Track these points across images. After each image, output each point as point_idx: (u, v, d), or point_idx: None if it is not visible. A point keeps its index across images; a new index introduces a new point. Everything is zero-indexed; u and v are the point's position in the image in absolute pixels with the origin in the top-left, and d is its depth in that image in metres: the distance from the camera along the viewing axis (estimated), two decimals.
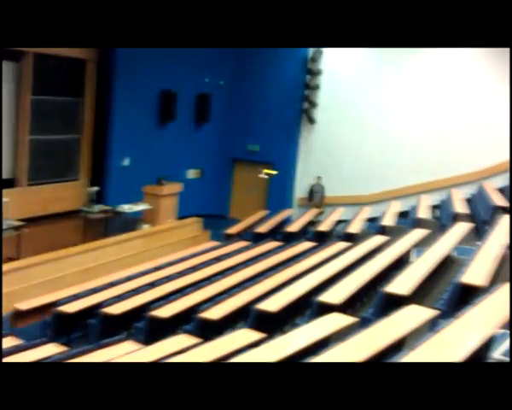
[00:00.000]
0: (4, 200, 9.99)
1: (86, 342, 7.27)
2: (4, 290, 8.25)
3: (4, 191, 11.66)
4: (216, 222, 14.49)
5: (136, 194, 12.66)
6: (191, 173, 16.12)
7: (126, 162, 14.42)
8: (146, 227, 12.01)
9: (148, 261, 10.22)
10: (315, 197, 15.13)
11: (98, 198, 12.43)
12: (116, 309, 7.45)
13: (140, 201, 12.56)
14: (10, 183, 12.43)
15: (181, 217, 13.15)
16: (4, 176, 12.32)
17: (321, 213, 14.76)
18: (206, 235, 12.75)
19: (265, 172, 15.05)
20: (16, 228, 9.86)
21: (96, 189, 12.09)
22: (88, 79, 13.88)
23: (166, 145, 15.19)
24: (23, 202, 11.94)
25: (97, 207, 11.73)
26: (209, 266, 9.58)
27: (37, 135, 12.80)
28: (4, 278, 8.41)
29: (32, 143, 12.77)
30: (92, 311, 7.64)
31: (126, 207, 12.08)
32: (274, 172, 15.19)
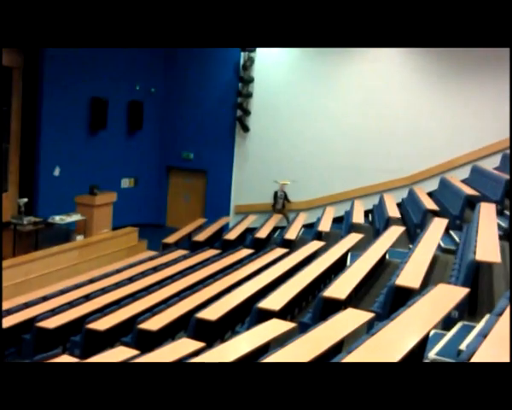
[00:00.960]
0: None
1: (20, 358, 7.01)
2: None
3: None
4: (153, 231, 14.33)
5: (68, 204, 12.33)
6: (125, 182, 15.86)
7: (57, 172, 14.03)
8: (79, 238, 11.70)
9: (83, 274, 9.97)
10: (278, 203, 15.14)
11: (29, 209, 12.02)
12: (51, 323, 7.22)
13: (73, 211, 12.24)
14: None
15: (116, 227, 12.90)
16: None
17: (286, 219, 14.85)
18: (142, 245, 12.57)
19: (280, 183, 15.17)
20: None
21: (25, 200, 11.68)
22: (15, 87, 13.44)
23: (99, 154, 14.89)
24: None
25: (27, 219, 11.32)
26: (146, 276, 9.44)
27: None
28: None
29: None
30: (26, 326, 7.38)
31: (58, 219, 11.73)
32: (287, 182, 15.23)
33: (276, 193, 15.16)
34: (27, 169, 13.63)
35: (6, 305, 8.18)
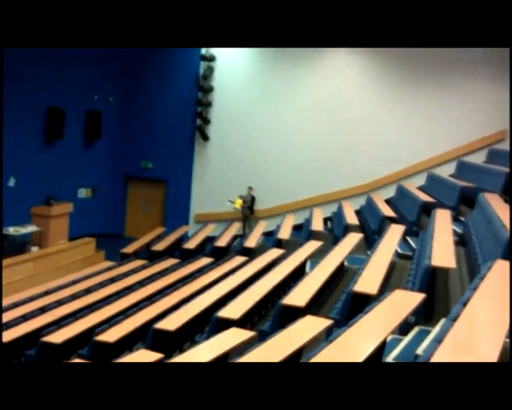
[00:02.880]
0: None
1: None
2: None
3: None
4: (111, 241, 14.11)
5: (23, 215, 12.05)
6: (83, 192, 15.60)
7: (12, 183, 13.70)
8: (35, 250, 11.44)
9: (39, 286, 9.73)
10: (245, 209, 14.96)
11: None
12: (4, 337, 7.01)
13: (28, 222, 11.96)
14: None
15: (74, 238, 12.66)
16: None
17: (248, 226, 14.76)
18: (100, 255, 12.37)
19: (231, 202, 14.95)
20: None
21: None
22: None
23: (55, 164, 14.62)
24: None
25: None
26: (104, 287, 9.28)
27: None
28: None
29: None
30: None
31: (12, 230, 11.44)
32: (237, 204, 15.01)
33: (243, 198, 14.98)
34: None
35: None
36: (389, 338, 5.54)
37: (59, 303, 8.36)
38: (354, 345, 4.95)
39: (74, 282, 9.68)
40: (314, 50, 14.67)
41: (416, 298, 6.03)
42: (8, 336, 7.09)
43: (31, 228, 11.65)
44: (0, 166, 8.31)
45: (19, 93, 13.53)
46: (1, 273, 7.62)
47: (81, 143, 15.54)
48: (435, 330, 5.63)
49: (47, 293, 9.00)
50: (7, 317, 7.86)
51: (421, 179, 14.47)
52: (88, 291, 9.02)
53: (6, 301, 8.71)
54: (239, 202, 14.86)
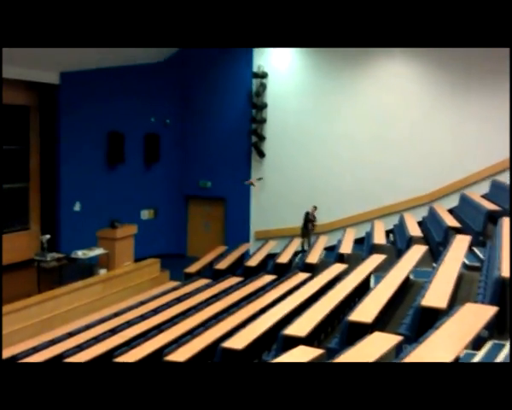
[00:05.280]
0: None
1: None
2: None
3: None
4: (174, 261, 14.35)
5: (90, 239, 12.44)
6: (145, 214, 15.99)
7: (77, 207, 14.20)
8: (103, 272, 11.78)
9: (108, 307, 10.02)
10: (308, 226, 14.89)
11: (51, 245, 12.14)
12: (78, 359, 7.25)
13: (94, 245, 12.33)
14: None
15: (138, 259, 12.98)
16: None
17: (307, 242, 14.70)
18: (165, 275, 12.60)
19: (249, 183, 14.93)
20: None
21: (47, 237, 11.81)
22: (32, 125, 13.71)
23: (118, 187, 15.08)
24: None
25: (51, 256, 11.44)
26: (171, 307, 9.46)
27: None
28: None
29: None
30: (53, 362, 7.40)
31: (81, 253, 11.82)
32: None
33: (306, 214, 14.89)
34: (48, 206, 13.82)
35: (32, 343, 8.24)
36: (463, 354, 5.42)
37: (129, 324, 8.57)
38: (427, 362, 4.87)
39: (142, 303, 9.90)
40: (367, 59, 14.63)
41: (489, 311, 5.89)
42: (83, 357, 7.33)
43: (98, 251, 12.01)
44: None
45: (80, 120, 14.07)
46: (1, 286, 7.89)
47: (141, 165, 15.96)
48: (509, 345, 5.48)
49: (116, 314, 9.25)
50: (80, 339, 8.12)
51: (484, 187, 14.08)
52: (155, 312, 9.22)
53: (78, 324, 9.01)
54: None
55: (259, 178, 15.45)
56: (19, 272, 12.44)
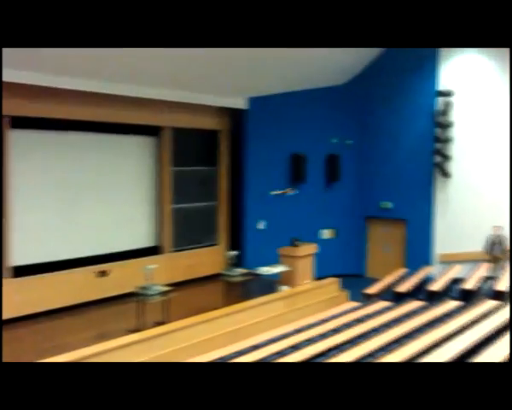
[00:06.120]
0: (151, 266, 10.60)
1: None
2: (154, 354, 8.67)
3: (151, 258, 12.44)
4: (353, 282, 14.30)
5: (272, 256, 12.89)
6: (325, 233, 16.20)
7: (261, 226, 14.81)
8: (284, 289, 12.12)
9: (289, 323, 10.26)
10: (494, 249, 14.16)
11: (237, 261, 12.81)
12: None
13: (275, 263, 12.75)
14: (156, 250, 13.23)
15: (317, 278, 13.16)
16: (150, 244, 13.18)
17: (497, 268, 13.87)
18: (344, 295, 12.60)
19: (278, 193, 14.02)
20: (163, 293, 10.36)
21: (235, 253, 12.49)
22: (222, 148, 14.64)
23: (299, 207, 15.50)
24: (168, 267, 12.61)
25: (237, 271, 12.06)
26: (351, 327, 9.44)
27: (178, 204, 13.60)
28: (155, 342, 8.84)
29: (174, 212, 13.56)
30: None
31: (264, 270, 12.29)
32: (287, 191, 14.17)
33: (492, 237, 14.04)
34: (235, 224, 14.63)
35: (220, 353, 8.71)
36: None
37: (310, 341, 8.71)
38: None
39: (323, 321, 10.01)
40: None
41: None
42: None
43: (280, 268, 12.38)
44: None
45: (265, 144, 14.75)
46: (1, 284, 8.26)
47: (322, 185, 16.22)
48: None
49: (298, 331, 9.45)
50: (264, 352, 8.42)
51: None
52: (336, 331, 9.26)
53: (261, 338, 9.34)
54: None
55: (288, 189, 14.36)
56: (207, 285, 13.32)
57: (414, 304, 10.94)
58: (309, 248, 12.97)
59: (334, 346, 8.47)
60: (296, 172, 15.45)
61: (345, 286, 13.27)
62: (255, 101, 14.54)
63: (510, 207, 9.17)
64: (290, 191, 13.98)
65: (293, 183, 15.48)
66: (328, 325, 9.79)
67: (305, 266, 12.74)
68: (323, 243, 15.10)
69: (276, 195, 13.98)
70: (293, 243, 12.78)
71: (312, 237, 14.63)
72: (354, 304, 11.50)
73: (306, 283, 12.60)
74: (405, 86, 15.81)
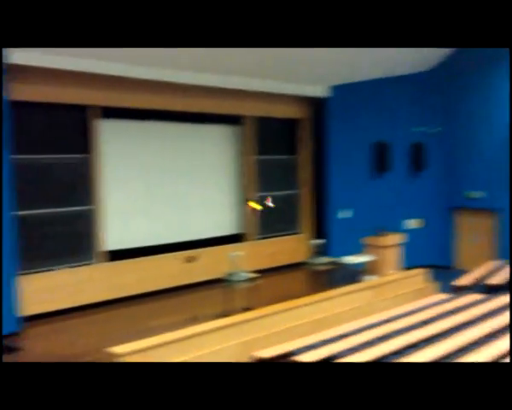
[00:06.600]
0: (238, 253, 10.77)
1: None
2: (243, 339, 8.81)
3: (237, 245, 12.61)
4: (440, 273, 13.92)
5: (356, 245, 12.77)
6: (411, 223, 15.85)
7: (345, 214, 14.69)
8: (369, 279, 11.99)
9: (375, 313, 10.13)
10: None
11: (322, 250, 12.79)
12: (350, 359, 7.47)
13: (359, 252, 12.62)
14: (240, 237, 13.40)
15: (404, 268, 12.92)
16: (236, 231, 13.36)
17: None
18: (432, 286, 12.30)
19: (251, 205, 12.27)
20: (250, 280, 10.51)
21: (320, 241, 12.48)
22: (305, 136, 14.60)
23: (384, 196, 15.23)
24: (253, 255, 12.76)
25: (322, 260, 12.06)
26: (441, 319, 9.19)
27: (261, 192, 13.70)
28: (243, 327, 8.99)
29: (258, 200, 13.67)
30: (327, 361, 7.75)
31: (348, 259, 12.20)
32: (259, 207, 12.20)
33: None
34: (319, 213, 14.59)
35: (308, 341, 8.73)
36: None
37: (398, 333, 8.57)
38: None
39: (410, 312, 9.81)
40: None
41: None
42: (354, 360, 7.54)
43: (365, 258, 12.26)
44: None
45: (347, 132, 14.59)
46: (0, 285, 8.27)
47: (407, 175, 15.86)
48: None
49: (387, 321, 9.31)
50: (351, 342, 8.36)
51: None
52: (425, 323, 9.05)
53: (348, 327, 9.28)
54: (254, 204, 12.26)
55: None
56: (291, 273, 13.38)
57: (507, 297, 10.51)
58: (396, 238, 12.76)
59: (423, 338, 8.28)
60: (380, 160, 15.18)
61: (431, 277, 12.97)
62: (336, 89, 14.39)
63: (510, 206, 8.77)
64: (268, 203, 12.22)
65: (376, 172, 15.22)
66: (417, 316, 9.58)
67: (392, 256, 12.54)
68: (409, 233, 14.78)
69: (255, 209, 12.60)
70: (380, 232, 12.60)
71: (397, 227, 14.36)
72: (443, 296, 11.19)
73: (392, 273, 12.40)
74: (499, 72, 15.14)
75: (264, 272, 12.20)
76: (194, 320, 9.06)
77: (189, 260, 12.10)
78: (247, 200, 12.08)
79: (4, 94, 8.78)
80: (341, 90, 14.43)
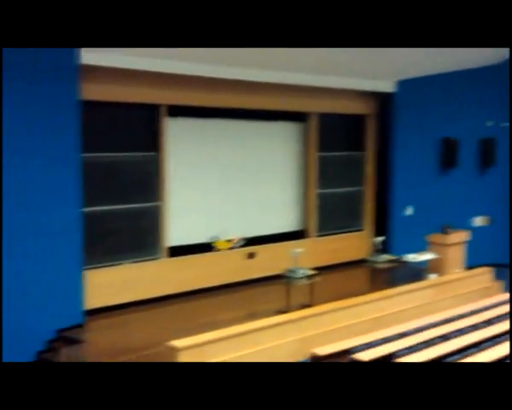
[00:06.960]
0: (298, 250, 10.82)
1: None
2: (301, 336, 8.89)
3: (297, 242, 12.68)
4: (504, 272, 13.49)
5: (420, 243, 12.56)
6: (477, 221, 15.43)
7: (409, 211, 14.46)
8: (433, 277, 11.77)
9: (436, 313, 9.97)
10: None
11: (383, 247, 12.65)
12: (409, 360, 7.42)
13: (422, 250, 12.40)
14: (302, 234, 13.45)
15: (469, 267, 12.61)
16: (296, 228, 13.42)
17: None
18: (497, 286, 11.97)
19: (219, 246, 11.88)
20: (310, 277, 10.54)
21: (382, 239, 12.35)
22: (369, 133, 14.45)
23: (450, 193, 14.90)
24: (313, 252, 12.78)
25: (383, 257, 11.93)
26: (505, 320, 8.96)
27: (323, 189, 13.69)
28: (301, 324, 9.07)
29: (320, 197, 13.68)
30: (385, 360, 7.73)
31: (411, 257, 12.02)
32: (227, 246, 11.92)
33: None
34: (382, 209, 14.42)
35: (366, 339, 8.71)
36: None
37: (460, 333, 8.43)
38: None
39: (474, 312, 9.61)
40: None
41: None
42: (414, 359, 7.48)
43: (429, 256, 12.04)
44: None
45: (413, 128, 14.34)
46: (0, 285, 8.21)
47: (474, 171, 15.45)
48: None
49: (448, 321, 9.16)
50: (411, 341, 8.29)
51: None
52: (489, 323, 8.86)
53: (408, 326, 9.19)
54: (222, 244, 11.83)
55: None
56: (352, 270, 13.31)
57: None
58: (460, 236, 12.48)
59: (486, 338, 8.12)
60: (447, 156, 14.85)
61: (497, 276, 12.62)
62: (403, 84, 14.16)
63: (510, 206, 8.31)
64: (235, 243, 12.01)
65: (442, 168, 14.91)
66: (480, 316, 9.38)
67: (456, 255, 12.27)
68: (475, 231, 14.40)
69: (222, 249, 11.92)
70: (445, 229, 12.34)
71: (463, 224, 14.00)
72: (507, 296, 10.88)
73: (457, 272, 12.14)
74: None
75: (324, 269, 12.17)
76: (253, 316, 9.20)
77: (250, 256, 12.26)
78: (214, 242, 11.80)
79: (76, 94, 9.20)
80: (409, 85, 14.18)
